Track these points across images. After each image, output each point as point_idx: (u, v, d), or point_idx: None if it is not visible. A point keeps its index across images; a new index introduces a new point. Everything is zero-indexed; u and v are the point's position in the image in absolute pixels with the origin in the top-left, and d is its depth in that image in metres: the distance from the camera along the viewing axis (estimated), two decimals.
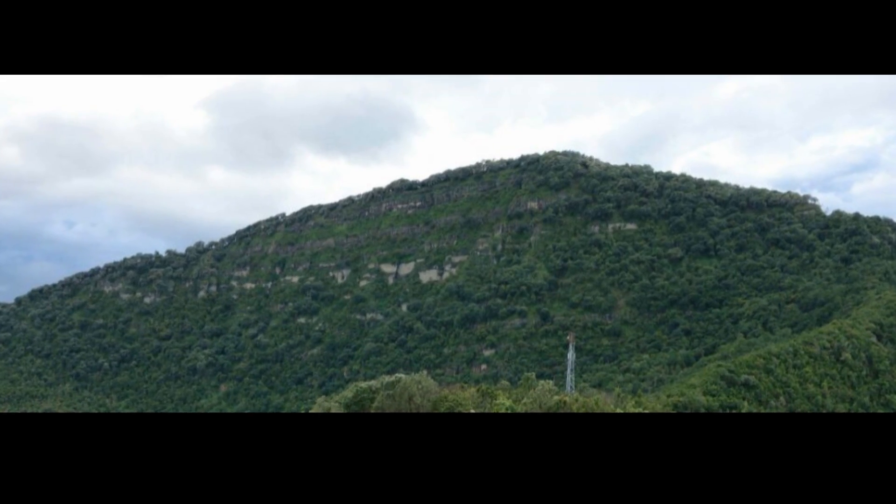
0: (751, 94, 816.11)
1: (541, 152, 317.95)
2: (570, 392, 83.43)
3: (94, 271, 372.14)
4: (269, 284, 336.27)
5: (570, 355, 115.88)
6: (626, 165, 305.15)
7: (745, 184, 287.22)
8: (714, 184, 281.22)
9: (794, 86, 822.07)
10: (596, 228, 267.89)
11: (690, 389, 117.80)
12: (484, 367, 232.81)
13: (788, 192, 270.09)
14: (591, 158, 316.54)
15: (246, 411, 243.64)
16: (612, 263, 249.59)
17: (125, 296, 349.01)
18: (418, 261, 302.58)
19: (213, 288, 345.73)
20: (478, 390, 62.20)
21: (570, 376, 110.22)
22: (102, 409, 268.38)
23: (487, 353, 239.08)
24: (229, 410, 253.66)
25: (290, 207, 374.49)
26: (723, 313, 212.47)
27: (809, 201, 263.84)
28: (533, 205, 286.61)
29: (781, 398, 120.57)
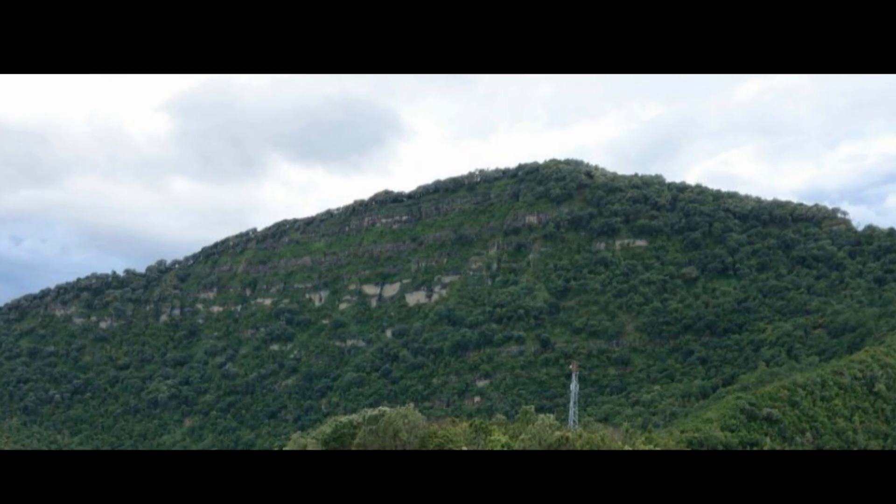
0: (774, 96, 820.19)
1: (540, 161, 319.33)
2: (573, 427, 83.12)
3: (45, 293, 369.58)
4: (239, 307, 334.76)
5: (573, 386, 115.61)
6: (636, 175, 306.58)
7: (768, 196, 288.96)
8: (733, 196, 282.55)
9: (822, 86, 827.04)
10: (602, 245, 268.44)
11: (707, 424, 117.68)
12: (477, 399, 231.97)
13: (815, 205, 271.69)
14: (596, 167, 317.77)
15: (213, 448, 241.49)
16: (619, 284, 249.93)
17: (79, 320, 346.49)
18: (404, 281, 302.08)
19: (177, 311, 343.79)
20: (470, 425, 61.98)
21: (573, 409, 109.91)
22: (53, 447, 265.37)
23: (481, 383, 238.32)
24: (194, 447, 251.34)
25: (262, 222, 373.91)
26: (742, 340, 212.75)
27: (839, 215, 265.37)
28: (532, 219, 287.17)
29: (808, 434, 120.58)
